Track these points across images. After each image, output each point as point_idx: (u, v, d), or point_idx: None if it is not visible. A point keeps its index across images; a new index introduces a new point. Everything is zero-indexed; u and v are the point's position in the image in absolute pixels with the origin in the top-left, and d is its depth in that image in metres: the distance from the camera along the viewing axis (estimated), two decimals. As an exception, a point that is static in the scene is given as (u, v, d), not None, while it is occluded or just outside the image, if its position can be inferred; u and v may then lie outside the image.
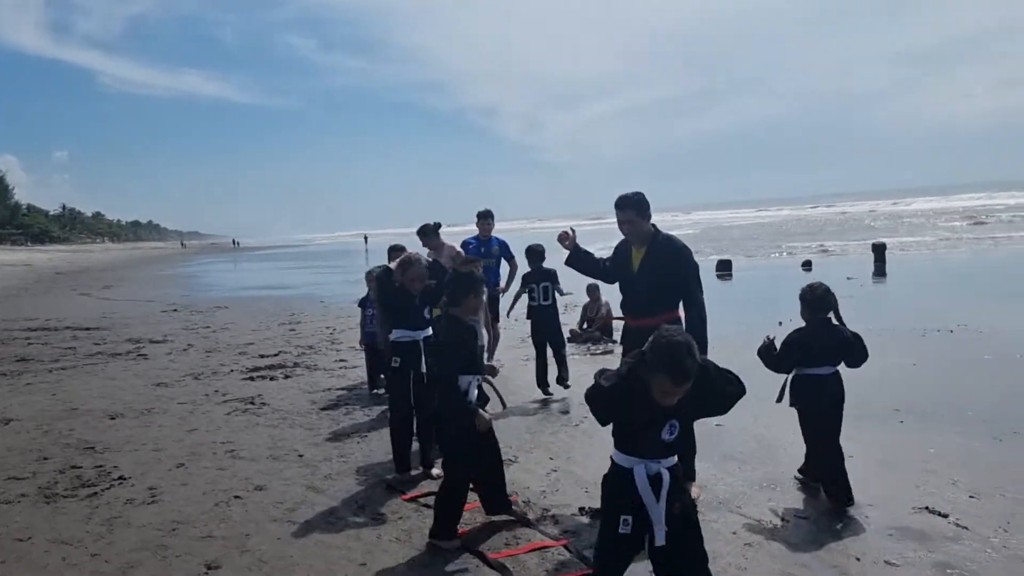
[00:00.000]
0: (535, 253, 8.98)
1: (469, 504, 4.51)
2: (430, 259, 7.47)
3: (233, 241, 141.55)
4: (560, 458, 5.72)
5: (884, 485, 4.82)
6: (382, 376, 8.00)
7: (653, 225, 4.98)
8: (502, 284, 9.65)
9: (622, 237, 5.11)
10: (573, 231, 5.27)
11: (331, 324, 14.27)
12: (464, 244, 9.21)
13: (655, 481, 2.97)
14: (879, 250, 21.20)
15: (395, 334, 5.38)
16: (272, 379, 9.15)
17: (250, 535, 4.45)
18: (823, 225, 48.28)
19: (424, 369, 5.30)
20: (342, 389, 8.53)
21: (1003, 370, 7.81)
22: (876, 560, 3.86)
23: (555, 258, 6.61)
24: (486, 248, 9.36)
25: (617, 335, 10.54)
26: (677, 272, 4.85)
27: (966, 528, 4.15)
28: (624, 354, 4.95)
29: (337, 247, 78.29)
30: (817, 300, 4.74)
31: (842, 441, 4.66)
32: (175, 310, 18.31)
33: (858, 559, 3.89)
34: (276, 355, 10.88)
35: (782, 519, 4.43)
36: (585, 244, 5.38)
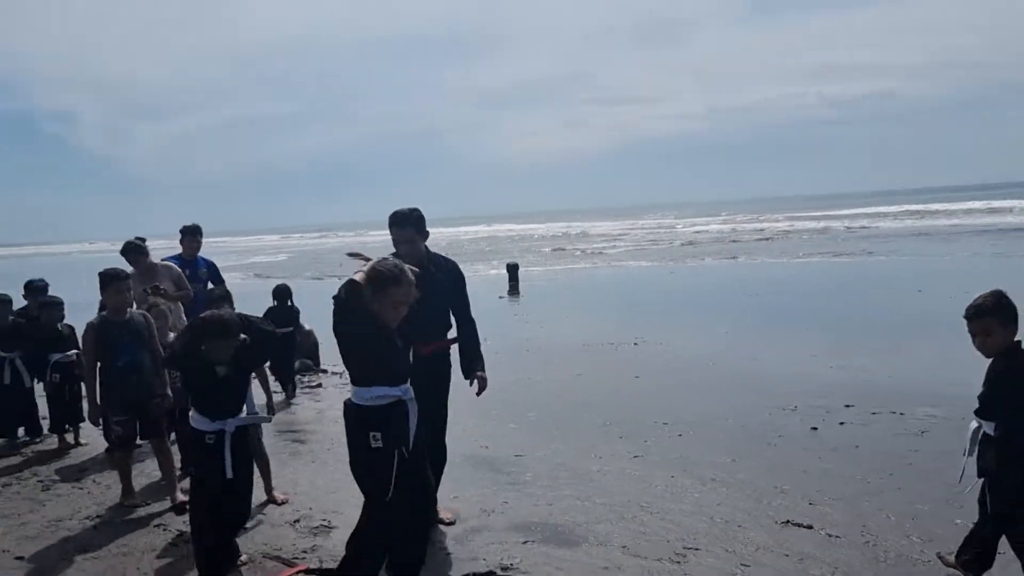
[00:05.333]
0: (282, 292, 9.33)
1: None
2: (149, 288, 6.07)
3: None
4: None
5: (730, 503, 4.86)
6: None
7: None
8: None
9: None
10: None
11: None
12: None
13: None
14: (513, 270, 22.70)
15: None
16: None
17: None
18: (456, 247, 50.57)
19: None
20: (14, 453, 6.51)
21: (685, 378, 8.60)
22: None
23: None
24: (192, 270, 7.87)
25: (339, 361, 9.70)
26: (458, 292, 4.72)
27: (838, 536, 4.29)
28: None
29: None
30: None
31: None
32: None
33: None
34: None
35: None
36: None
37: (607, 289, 19.84)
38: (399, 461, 3.33)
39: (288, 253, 51.14)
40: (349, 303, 3.29)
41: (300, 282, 19.65)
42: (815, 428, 6.34)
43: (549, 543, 4.30)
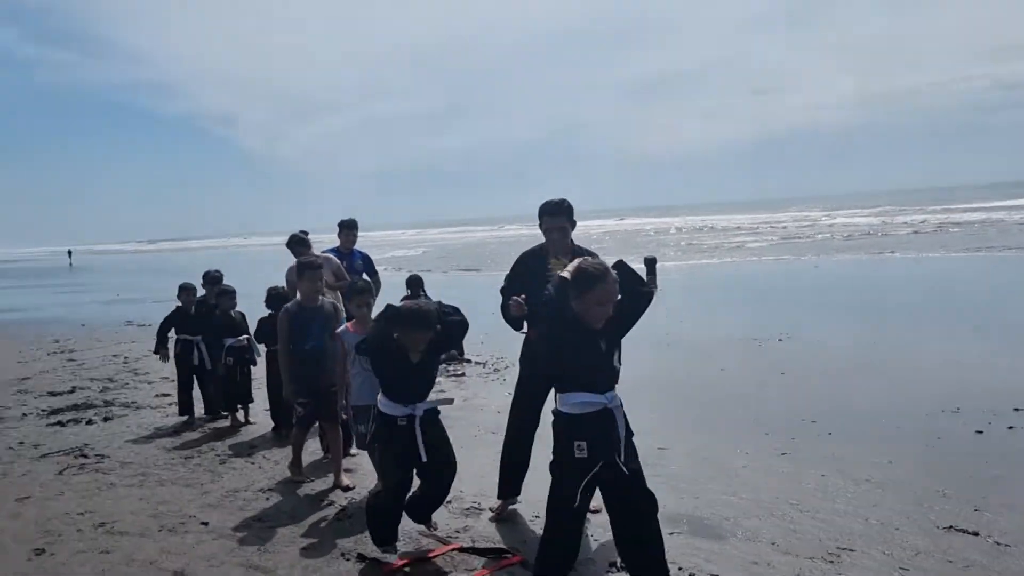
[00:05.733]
0: (415, 282, 10.06)
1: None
2: None
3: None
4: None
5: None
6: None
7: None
8: (366, 302, 8.69)
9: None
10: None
11: (116, 351, 12.19)
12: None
13: None
14: (651, 263, 22.45)
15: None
16: (89, 423, 7.44)
17: (218, 647, 3.30)
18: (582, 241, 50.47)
19: None
20: (191, 430, 7.13)
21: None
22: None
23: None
24: (348, 262, 8.34)
25: (482, 351, 10.02)
26: None
27: (1007, 545, 4.07)
28: (524, 371, 4.85)
29: (36, 263, 69.35)
30: None
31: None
32: None
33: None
34: (72, 392, 8.97)
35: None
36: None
37: (749, 283, 19.28)
38: (607, 472, 3.30)
39: (425, 247, 52.54)
40: (557, 301, 3.30)
41: (435, 276, 20.14)
42: (980, 432, 5.99)
43: (696, 535, 4.31)
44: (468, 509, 4.85)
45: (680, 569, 3.85)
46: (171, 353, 7.68)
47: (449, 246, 51.85)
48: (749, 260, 25.83)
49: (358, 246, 8.60)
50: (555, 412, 3.41)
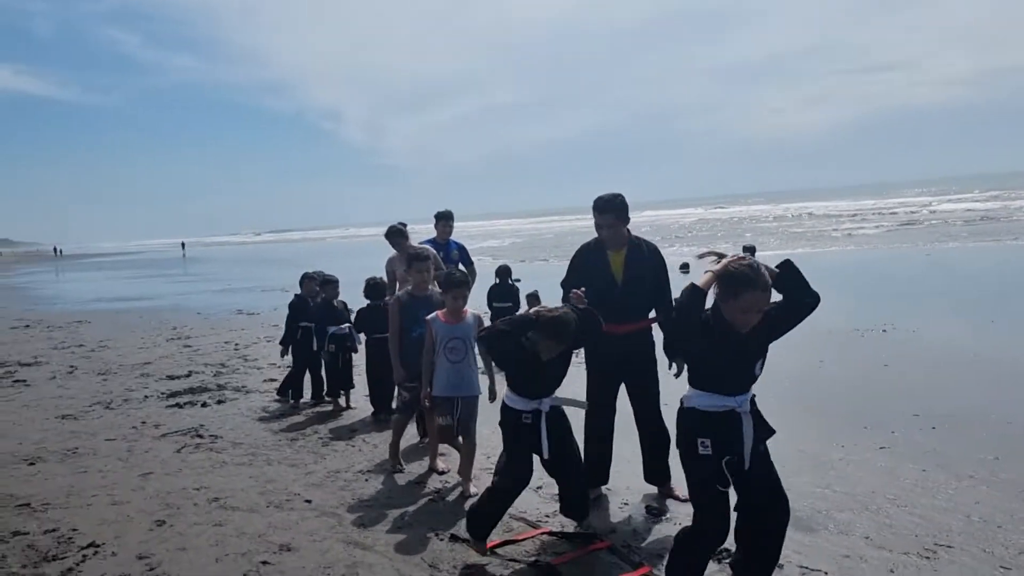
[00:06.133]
0: (504, 271, 10.44)
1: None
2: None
3: (55, 249, 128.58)
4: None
5: None
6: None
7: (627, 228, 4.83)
8: (461, 291, 8.91)
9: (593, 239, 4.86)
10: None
11: (228, 338, 12.84)
12: (421, 249, 8.39)
13: None
14: (750, 252, 21.95)
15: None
16: (204, 405, 7.91)
17: (320, 615, 3.52)
18: (674, 230, 49.73)
19: None
20: (297, 413, 7.49)
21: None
22: None
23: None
24: (445, 252, 8.56)
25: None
26: (660, 276, 4.80)
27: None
28: (591, 363, 4.89)
29: (153, 254, 73.14)
30: None
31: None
32: (27, 326, 16.02)
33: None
34: (188, 376, 9.54)
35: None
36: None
37: (852, 272, 18.62)
38: (733, 472, 3.20)
39: (513, 238, 52.76)
40: (688, 310, 3.14)
41: (525, 266, 20.27)
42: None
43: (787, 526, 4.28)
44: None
45: (768, 559, 3.83)
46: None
47: (537, 235, 52.02)
48: (858, 247, 24.91)
49: (454, 236, 8.83)
50: (684, 403, 3.29)
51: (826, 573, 3.74)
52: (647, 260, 4.78)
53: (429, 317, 5.14)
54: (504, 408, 4.12)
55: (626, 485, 5.03)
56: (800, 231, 35.70)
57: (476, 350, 4.99)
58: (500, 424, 4.14)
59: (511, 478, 4.02)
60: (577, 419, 4.40)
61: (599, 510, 4.68)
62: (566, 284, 4.69)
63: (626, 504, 4.75)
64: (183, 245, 76.66)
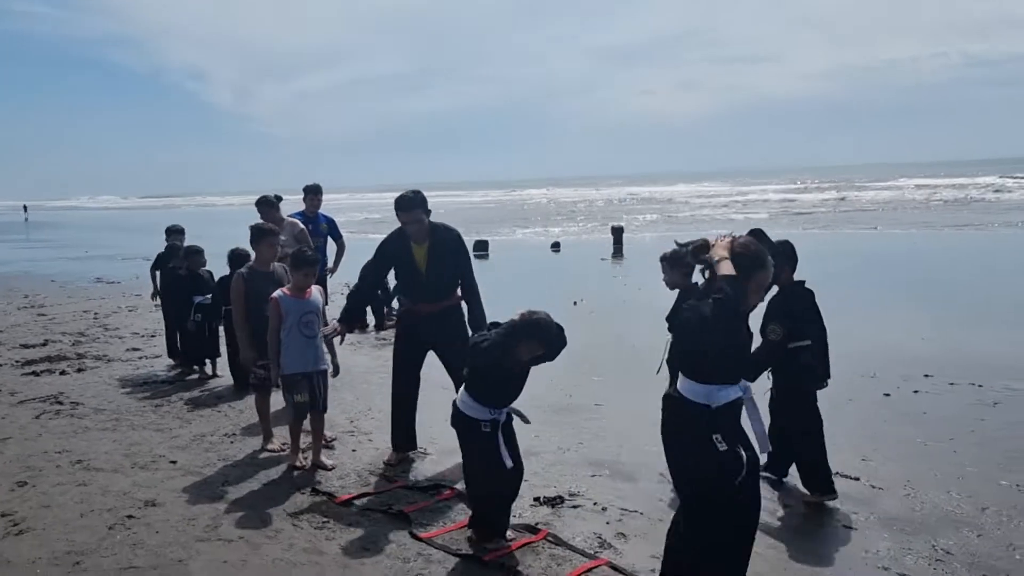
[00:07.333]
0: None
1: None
2: None
3: None
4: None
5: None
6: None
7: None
8: (330, 264, 9.11)
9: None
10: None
11: (86, 307, 12.45)
12: (290, 221, 8.52)
13: None
14: (618, 233, 22.89)
15: None
16: (62, 373, 7.82)
17: (185, 560, 3.78)
18: (538, 209, 49.84)
19: None
20: (163, 382, 7.53)
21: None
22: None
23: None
24: (314, 225, 8.74)
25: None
26: (459, 260, 5.22)
27: (881, 488, 4.66)
28: (398, 338, 5.32)
29: None
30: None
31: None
32: None
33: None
34: (44, 344, 9.32)
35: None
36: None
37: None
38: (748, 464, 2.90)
39: (375, 213, 51.85)
40: (735, 300, 2.88)
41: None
42: (888, 395, 6.59)
43: (615, 478, 4.85)
44: (421, 452, 5.34)
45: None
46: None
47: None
48: (710, 231, 26.27)
49: (323, 209, 9.01)
50: (699, 404, 2.93)
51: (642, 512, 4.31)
52: (448, 246, 5.15)
53: (276, 294, 5.00)
54: (460, 414, 3.89)
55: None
56: (669, 213, 37.15)
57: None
58: (454, 426, 3.97)
59: (494, 491, 3.92)
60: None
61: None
62: (370, 268, 5.18)
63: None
64: (25, 208, 70.93)
